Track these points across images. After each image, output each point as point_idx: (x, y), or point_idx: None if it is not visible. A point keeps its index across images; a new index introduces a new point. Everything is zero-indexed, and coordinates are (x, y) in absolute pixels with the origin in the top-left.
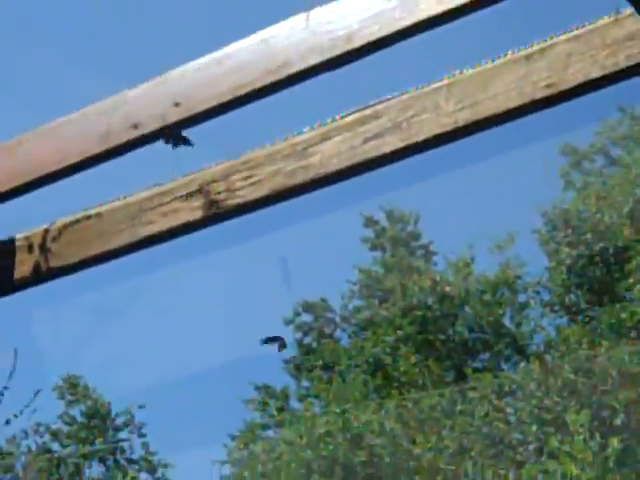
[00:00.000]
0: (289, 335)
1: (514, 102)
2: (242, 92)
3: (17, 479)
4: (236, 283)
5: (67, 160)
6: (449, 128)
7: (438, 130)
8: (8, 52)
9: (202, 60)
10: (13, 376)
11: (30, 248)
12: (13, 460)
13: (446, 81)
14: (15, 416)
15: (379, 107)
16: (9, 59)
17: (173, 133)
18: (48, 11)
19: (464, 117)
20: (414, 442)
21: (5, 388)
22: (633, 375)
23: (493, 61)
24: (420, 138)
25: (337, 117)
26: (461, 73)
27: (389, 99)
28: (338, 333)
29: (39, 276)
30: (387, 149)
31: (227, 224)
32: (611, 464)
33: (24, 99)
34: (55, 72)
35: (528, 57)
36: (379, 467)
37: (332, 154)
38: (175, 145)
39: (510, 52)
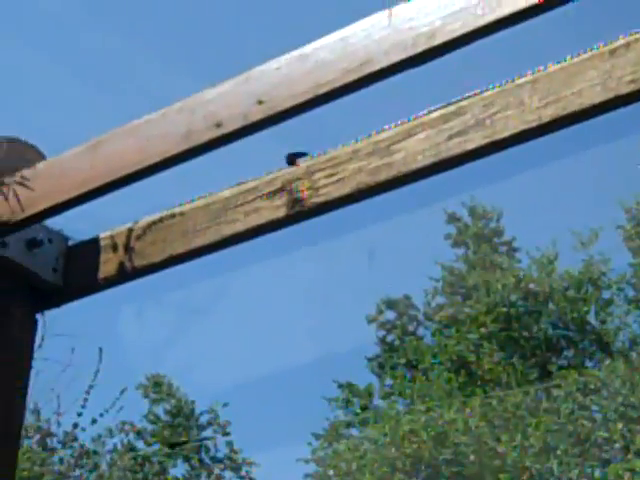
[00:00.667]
0: (372, 333)
1: (598, 98)
2: (324, 90)
3: (102, 478)
4: (319, 281)
5: (148, 160)
6: (533, 124)
7: (522, 127)
8: (93, 45)
9: (284, 58)
10: (98, 375)
11: (114, 247)
12: (98, 459)
13: (530, 77)
14: (101, 415)
15: (463, 104)
16: (93, 52)
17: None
18: (134, 6)
19: (548, 113)
20: (499, 440)
21: (91, 387)
22: None
23: (577, 56)
24: (504, 135)
25: (420, 114)
26: (545, 69)
27: (473, 95)
28: (421, 330)
29: (123, 275)
30: (471, 146)
31: (310, 222)
32: None
33: (106, 97)
34: (137, 70)
35: (613, 52)
36: (464, 465)
37: (416, 151)
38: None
39: (594, 47)
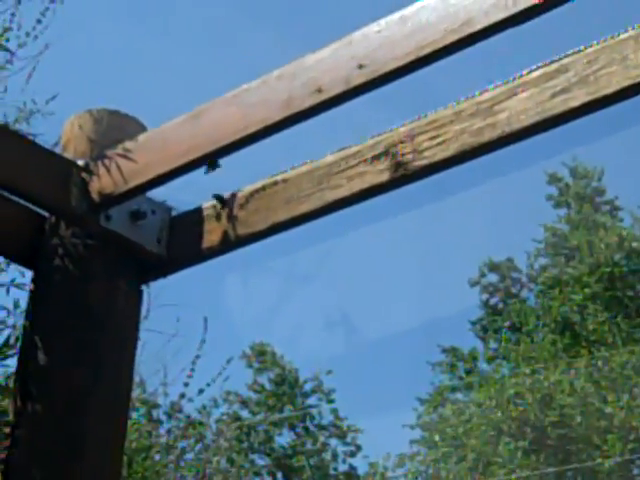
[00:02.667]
0: (475, 296)
1: None
2: (425, 52)
3: (208, 448)
4: (421, 245)
5: (250, 128)
6: (638, 80)
7: (626, 82)
8: (194, 15)
9: (383, 21)
10: (204, 345)
11: (218, 216)
12: (204, 429)
13: (633, 32)
14: (208, 385)
15: (565, 61)
16: (195, 22)
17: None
18: None
19: None
20: (605, 401)
21: (197, 357)
22: None
23: None
24: (608, 91)
25: (522, 73)
26: None
27: (575, 53)
28: (525, 293)
29: (227, 244)
30: (574, 103)
31: (411, 186)
32: None
33: (206, 65)
34: (238, 38)
35: None
36: (570, 427)
37: (519, 110)
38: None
39: None
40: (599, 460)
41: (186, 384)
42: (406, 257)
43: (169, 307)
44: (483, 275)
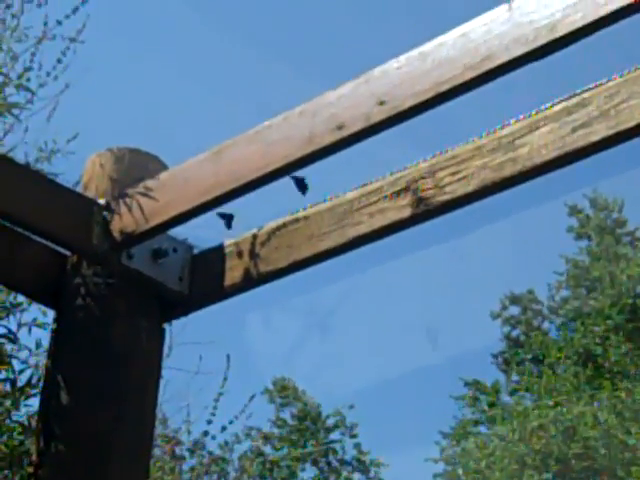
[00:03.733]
0: (497, 329)
1: None
2: (445, 88)
3: None
4: (443, 278)
5: (271, 165)
6: None
7: None
8: (214, 53)
9: (403, 57)
10: (226, 382)
11: (239, 254)
12: (226, 465)
13: None
14: (231, 422)
15: (586, 95)
16: (214, 61)
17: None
18: (252, 12)
19: None
20: (629, 433)
21: (220, 394)
22: None
23: None
24: (629, 125)
25: (543, 107)
26: None
27: (596, 86)
28: (546, 325)
29: (249, 281)
30: (596, 137)
31: (434, 221)
32: None
33: (227, 103)
34: (257, 75)
35: None
36: (594, 459)
37: (540, 145)
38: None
39: None
40: None
41: (209, 422)
42: (427, 291)
43: (192, 345)
44: (505, 308)
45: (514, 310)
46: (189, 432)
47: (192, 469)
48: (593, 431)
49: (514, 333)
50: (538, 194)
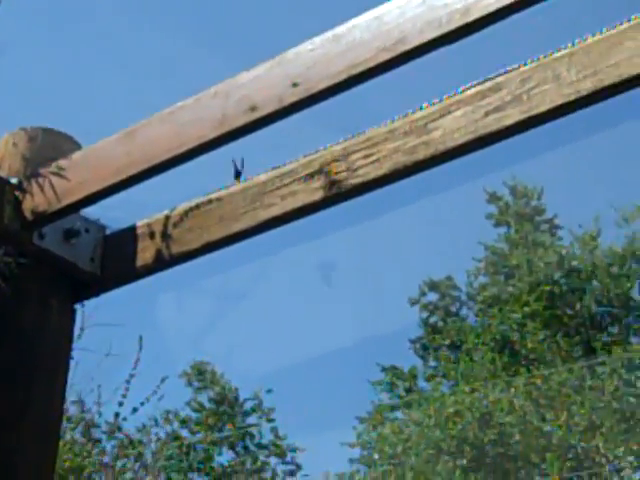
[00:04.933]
0: (415, 315)
1: (637, 69)
2: (358, 70)
3: (147, 467)
4: (360, 263)
5: (184, 146)
6: (571, 98)
7: (560, 100)
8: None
9: (317, 39)
10: (139, 364)
11: (152, 235)
12: (143, 448)
13: (566, 50)
14: (142, 404)
15: (499, 79)
16: (126, 40)
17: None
18: None
19: (586, 86)
20: (544, 419)
21: (131, 376)
22: None
23: (614, 28)
24: (542, 109)
25: (457, 91)
26: (582, 42)
27: (509, 71)
28: (464, 311)
29: (161, 262)
30: (508, 122)
31: (349, 203)
32: None
33: (140, 84)
34: (171, 56)
35: None
36: (509, 445)
37: (453, 129)
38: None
39: (631, 18)
40: (538, 478)
41: (121, 403)
42: (344, 275)
43: (103, 326)
44: (423, 294)
45: (432, 296)
46: (100, 413)
47: (103, 450)
48: (509, 417)
49: (432, 319)
50: (455, 178)
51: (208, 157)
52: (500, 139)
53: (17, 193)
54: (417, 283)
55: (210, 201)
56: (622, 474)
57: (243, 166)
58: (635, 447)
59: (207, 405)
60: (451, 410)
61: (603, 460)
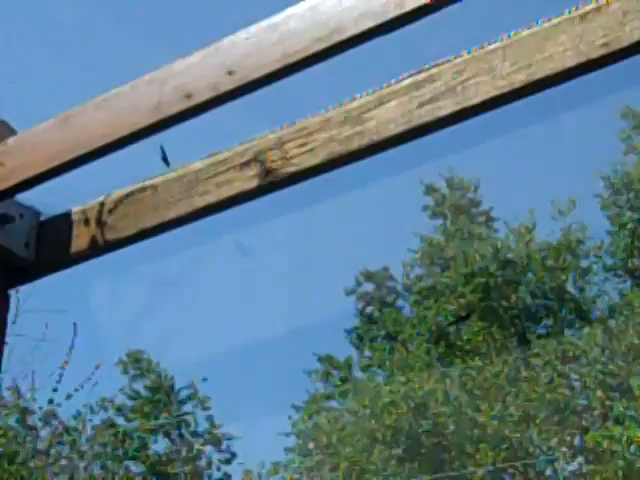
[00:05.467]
0: (350, 305)
1: (571, 62)
2: (293, 59)
3: (82, 454)
4: (296, 253)
5: (119, 132)
6: (505, 90)
7: (494, 92)
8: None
9: (252, 28)
10: (73, 351)
11: (86, 221)
12: (78, 435)
13: (500, 43)
14: (76, 390)
15: (433, 71)
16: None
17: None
18: None
19: (520, 79)
20: (478, 410)
21: (65, 362)
22: None
23: (548, 21)
24: (476, 101)
25: (391, 82)
26: (516, 34)
27: (443, 62)
28: (400, 302)
29: (96, 249)
30: (442, 113)
31: (284, 192)
32: None
33: (76, 69)
34: (106, 42)
35: (584, 16)
36: (444, 436)
37: (387, 119)
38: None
39: (565, 11)
40: (471, 468)
41: (55, 390)
42: (280, 264)
43: (38, 312)
44: (359, 284)
45: (368, 287)
46: (34, 399)
47: (37, 437)
48: (443, 408)
49: (368, 309)
50: (393, 169)
51: (143, 144)
52: (434, 130)
53: None
54: (353, 273)
55: (145, 188)
56: (555, 465)
57: (165, 154)
58: (568, 438)
59: (143, 393)
60: (386, 400)
61: (537, 451)
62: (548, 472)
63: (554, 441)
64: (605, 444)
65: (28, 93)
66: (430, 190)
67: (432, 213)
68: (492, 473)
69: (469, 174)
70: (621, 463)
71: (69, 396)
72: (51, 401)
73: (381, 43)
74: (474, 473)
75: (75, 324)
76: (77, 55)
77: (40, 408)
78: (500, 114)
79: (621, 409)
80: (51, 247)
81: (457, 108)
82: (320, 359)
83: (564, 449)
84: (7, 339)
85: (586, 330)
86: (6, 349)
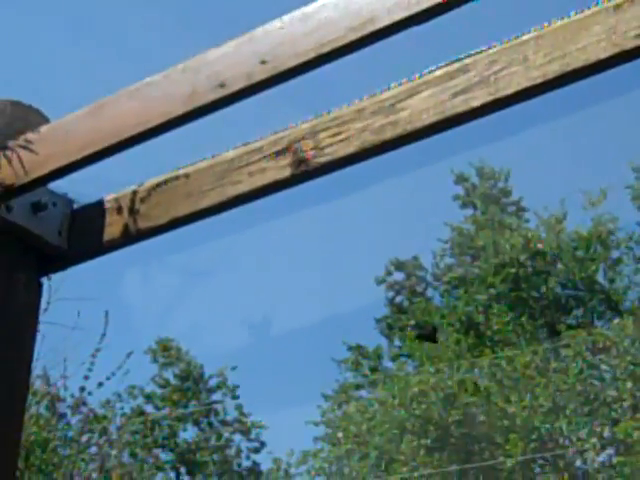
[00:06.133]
0: (380, 294)
1: (604, 53)
2: (327, 49)
3: (111, 442)
4: (327, 242)
5: (152, 121)
6: (538, 81)
7: (526, 83)
8: (97, 8)
9: (286, 18)
10: (104, 339)
11: (119, 210)
12: (108, 423)
13: (534, 33)
14: (108, 378)
15: (467, 61)
16: (97, 15)
17: None
18: None
19: (553, 69)
20: (508, 400)
21: (97, 350)
22: None
23: (581, 12)
24: (508, 92)
25: (425, 72)
26: (549, 25)
27: (477, 53)
28: (430, 292)
29: (128, 237)
30: (475, 103)
31: (316, 182)
32: None
33: (110, 58)
34: (141, 31)
35: (617, 7)
36: (473, 426)
37: (420, 109)
38: None
39: (599, 2)
40: (501, 459)
41: (86, 377)
42: (311, 254)
43: (70, 300)
44: (389, 273)
45: (398, 276)
46: (65, 387)
47: (68, 424)
48: (473, 398)
49: (398, 299)
50: (424, 159)
51: (176, 133)
52: (467, 120)
53: None
54: (383, 262)
55: (177, 177)
56: (585, 456)
57: None
58: (598, 429)
59: (172, 381)
60: (416, 390)
61: (566, 442)
62: (578, 463)
63: (584, 432)
64: (635, 435)
65: (61, 82)
66: (460, 179)
67: (462, 203)
68: (521, 463)
69: (500, 164)
70: None
71: (101, 384)
72: (82, 389)
73: (414, 33)
74: (503, 463)
75: (107, 312)
76: (112, 46)
77: (72, 396)
78: (532, 105)
79: None
80: (83, 235)
81: (490, 99)
82: (350, 348)
83: (594, 440)
84: (39, 327)
85: (616, 321)
86: (38, 337)
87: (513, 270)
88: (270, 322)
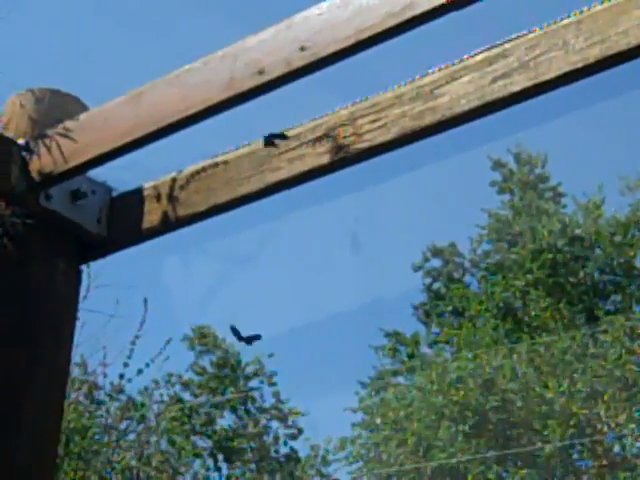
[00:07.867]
0: (418, 281)
1: None
2: (366, 35)
3: (149, 429)
4: (365, 228)
5: (191, 108)
6: (578, 65)
7: (567, 68)
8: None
9: (325, 4)
10: (144, 326)
11: (158, 197)
12: (146, 410)
13: (574, 18)
14: (147, 365)
15: (506, 46)
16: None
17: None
18: None
19: (594, 54)
20: (546, 386)
21: (136, 337)
22: None
23: None
24: (549, 76)
25: (464, 57)
26: (589, 9)
27: (517, 37)
28: (467, 278)
29: (167, 225)
30: (515, 88)
31: (355, 168)
32: None
33: (148, 45)
34: (179, 19)
35: None
36: (511, 412)
37: (459, 95)
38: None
39: None
40: (539, 445)
41: (126, 365)
42: (348, 240)
43: (109, 287)
44: (426, 260)
45: (436, 262)
46: (105, 375)
47: (107, 411)
48: (511, 384)
49: (435, 285)
50: (461, 144)
51: (215, 120)
52: (506, 105)
53: (24, 154)
54: (420, 249)
55: (217, 164)
56: (623, 442)
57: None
58: (637, 415)
59: (209, 369)
60: (453, 376)
61: (605, 428)
62: (616, 449)
63: (622, 418)
64: None
65: (100, 70)
66: (498, 165)
67: (500, 189)
68: (560, 449)
69: (537, 149)
70: None
71: (140, 371)
72: (122, 376)
73: (454, 18)
74: (541, 449)
75: (146, 300)
76: (149, 33)
77: (111, 383)
78: (570, 90)
79: None
80: (123, 223)
81: (530, 84)
82: (387, 335)
83: (632, 426)
84: (78, 314)
85: None
86: (78, 324)
87: (550, 256)
88: (307, 309)
